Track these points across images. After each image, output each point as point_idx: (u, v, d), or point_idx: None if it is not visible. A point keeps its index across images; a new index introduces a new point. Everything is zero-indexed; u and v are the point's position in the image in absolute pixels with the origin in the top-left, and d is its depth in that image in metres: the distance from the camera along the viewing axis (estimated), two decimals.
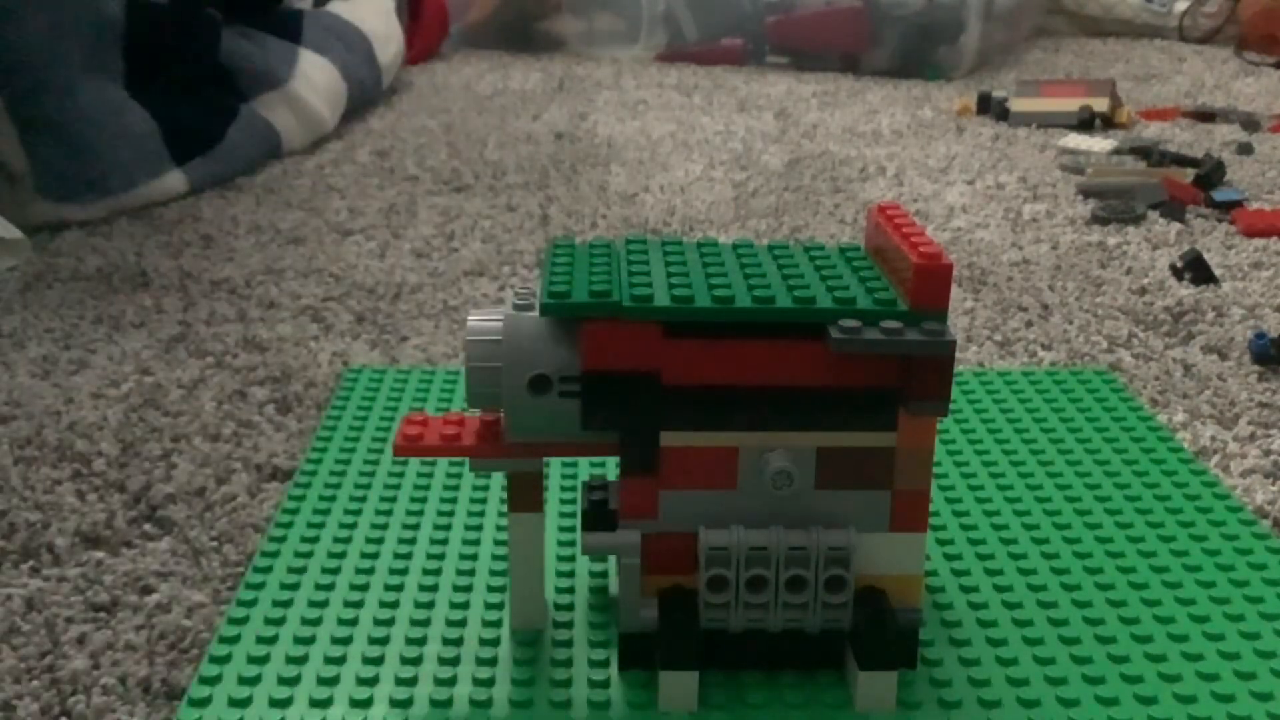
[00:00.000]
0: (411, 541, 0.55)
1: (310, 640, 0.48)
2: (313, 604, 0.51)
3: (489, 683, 0.46)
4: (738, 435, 0.43)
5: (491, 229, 1.02)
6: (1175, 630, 0.49)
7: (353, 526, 0.57)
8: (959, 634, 0.48)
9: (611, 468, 0.62)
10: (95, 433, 0.67)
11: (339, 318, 0.83)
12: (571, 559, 0.54)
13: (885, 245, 0.46)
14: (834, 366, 0.42)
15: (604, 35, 1.87)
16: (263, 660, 0.47)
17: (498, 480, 0.61)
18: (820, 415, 0.43)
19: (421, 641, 0.48)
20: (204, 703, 0.45)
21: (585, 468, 0.62)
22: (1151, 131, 1.37)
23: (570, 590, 0.51)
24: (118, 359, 0.77)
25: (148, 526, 0.58)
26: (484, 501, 0.59)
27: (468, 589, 0.52)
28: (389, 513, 0.58)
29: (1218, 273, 0.91)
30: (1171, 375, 0.75)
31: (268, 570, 0.53)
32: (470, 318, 0.45)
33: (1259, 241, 0.99)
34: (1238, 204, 1.07)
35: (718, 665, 0.46)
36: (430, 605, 0.51)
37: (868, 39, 1.71)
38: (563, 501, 0.59)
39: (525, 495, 0.47)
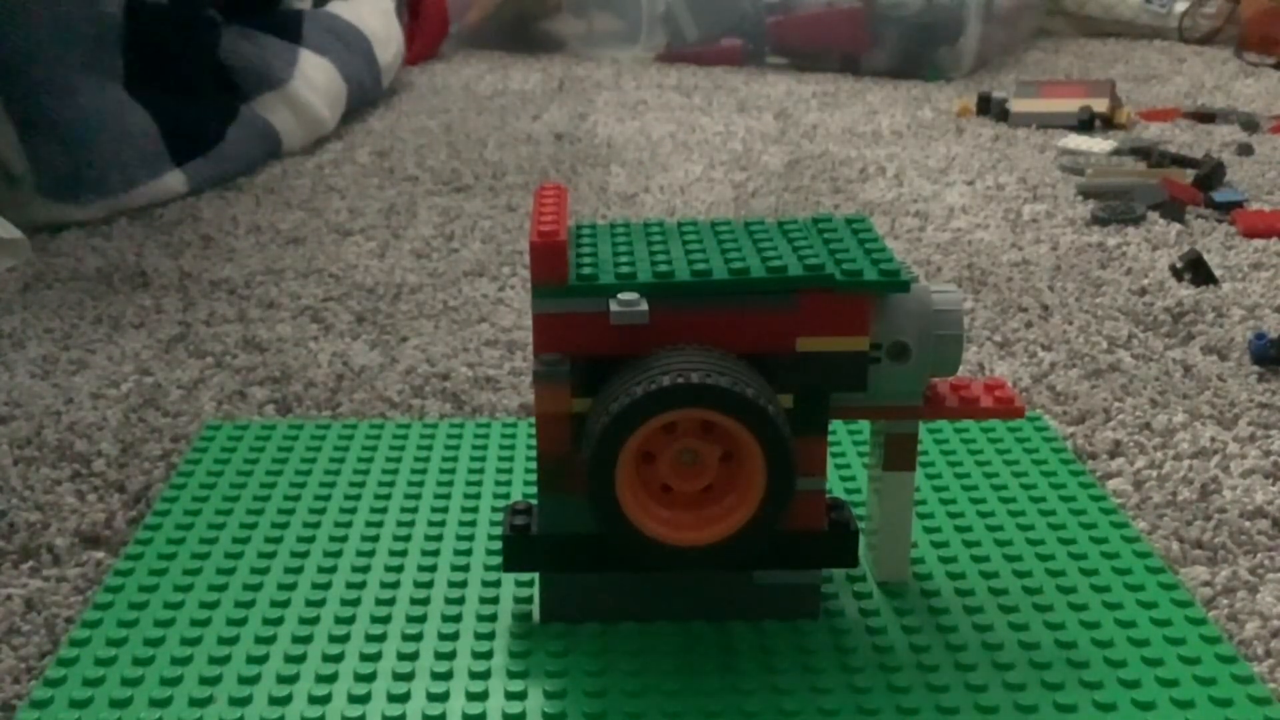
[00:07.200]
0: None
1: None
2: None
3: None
4: None
5: (491, 229, 1.02)
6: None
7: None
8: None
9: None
10: (95, 433, 0.67)
11: (339, 318, 0.83)
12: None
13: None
14: None
15: (604, 36, 1.87)
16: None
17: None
18: None
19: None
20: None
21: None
22: (1151, 132, 1.37)
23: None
24: (117, 359, 0.77)
25: None
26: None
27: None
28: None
29: (1218, 273, 0.91)
30: (1171, 376, 0.75)
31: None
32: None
33: (1259, 242, 0.99)
34: (1238, 205, 1.07)
35: None
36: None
37: (867, 39, 1.70)
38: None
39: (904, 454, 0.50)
